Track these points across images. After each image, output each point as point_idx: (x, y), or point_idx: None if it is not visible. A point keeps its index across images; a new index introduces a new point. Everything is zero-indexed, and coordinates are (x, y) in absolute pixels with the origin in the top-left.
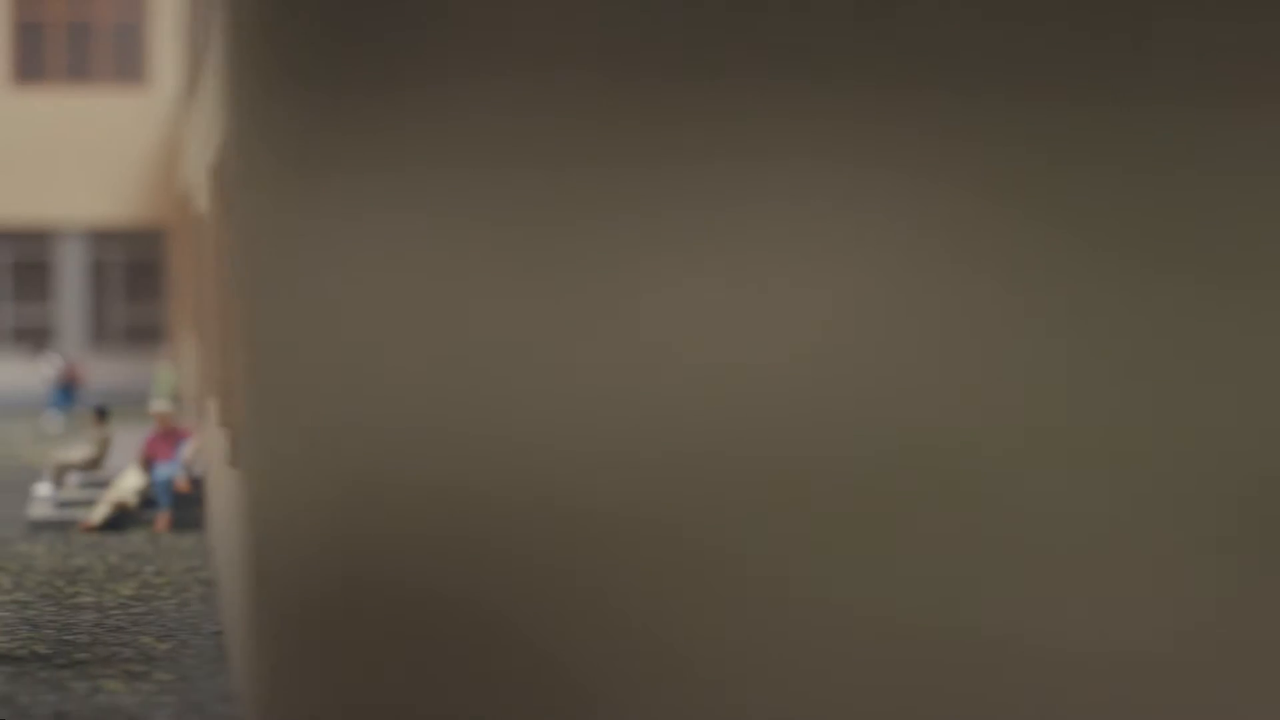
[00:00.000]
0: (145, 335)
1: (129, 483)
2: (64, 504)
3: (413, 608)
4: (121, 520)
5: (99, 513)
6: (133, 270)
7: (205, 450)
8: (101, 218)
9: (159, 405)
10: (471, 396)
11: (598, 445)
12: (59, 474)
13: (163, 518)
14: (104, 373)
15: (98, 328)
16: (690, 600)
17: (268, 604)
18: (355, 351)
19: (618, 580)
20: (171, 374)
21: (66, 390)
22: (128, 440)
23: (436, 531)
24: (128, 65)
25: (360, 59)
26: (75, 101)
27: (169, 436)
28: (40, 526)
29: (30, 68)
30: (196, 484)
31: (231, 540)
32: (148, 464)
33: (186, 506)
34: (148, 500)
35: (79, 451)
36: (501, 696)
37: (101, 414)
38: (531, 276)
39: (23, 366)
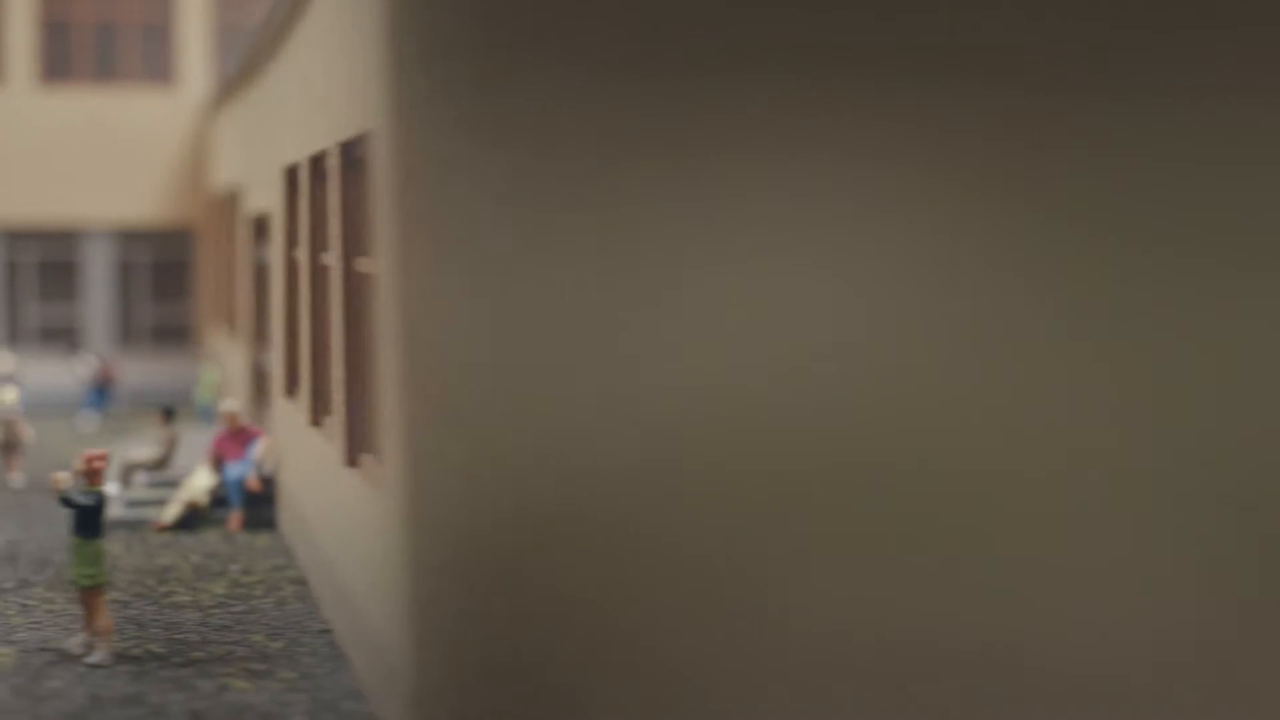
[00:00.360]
0: (171, 335)
1: (200, 482)
2: (133, 503)
3: (570, 603)
4: (193, 520)
5: (171, 512)
6: (159, 270)
7: (277, 449)
8: (128, 218)
9: (228, 405)
10: (628, 391)
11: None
12: (127, 474)
13: (235, 517)
14: (130, 372)
15: (124, 328)
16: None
17: (429, 602)
18: (518, 347)
19: (772, 571)
20: (215, 372)
21: (101, 390)
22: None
23: (595, 528)
24: (155, 65)
25: (515, 52)
26: (102, 101)
27: (237, 436)
28: (110, 527)
29: (57, 67)
30: (268, 483)
31: (363, 539)
32: (217, 463)
33: (258, 506)
34: (218, 499)
35: (146, 451)
36: (671, 691)
37: (168, 414)
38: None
39: (56, 366)
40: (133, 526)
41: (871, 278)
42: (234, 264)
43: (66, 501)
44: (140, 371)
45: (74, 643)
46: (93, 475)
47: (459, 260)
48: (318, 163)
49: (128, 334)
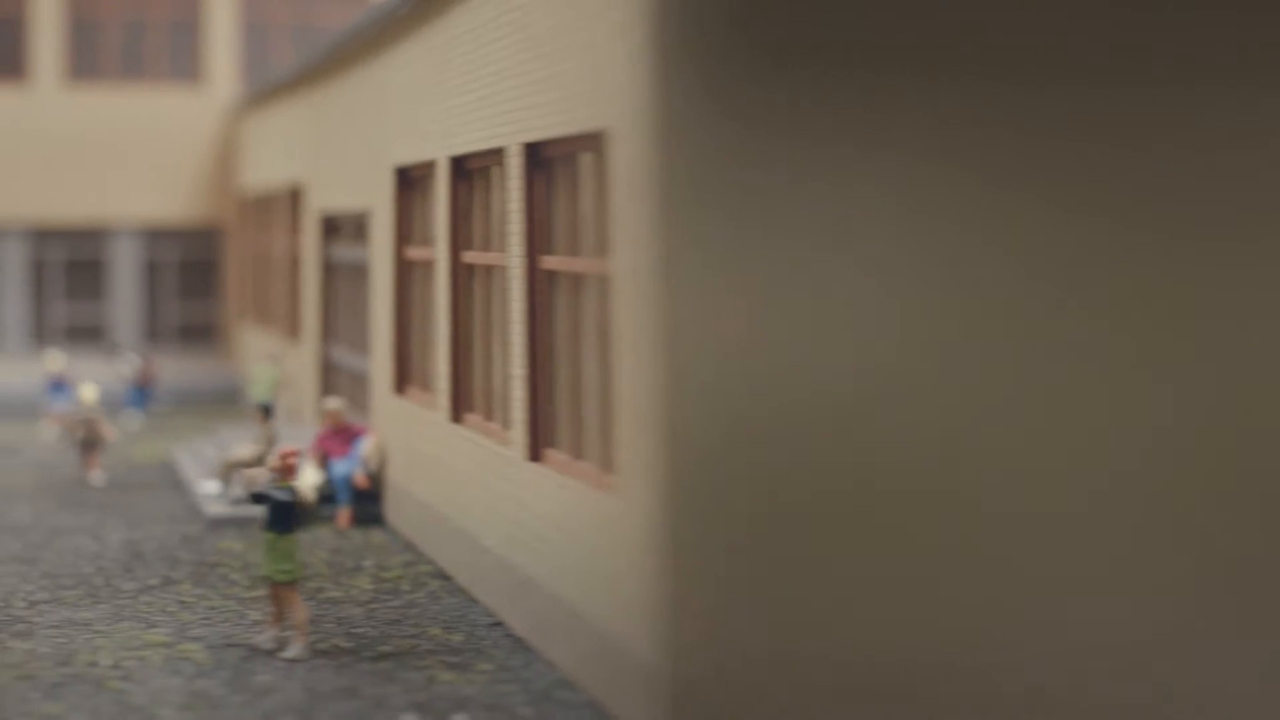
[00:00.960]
0: (198, 334)
1: (307, 479)
2: (237, 501)
3: (827, 597)
4: (302, 517)
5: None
6: (186, 268)
7: (383, 446)
8: (154, 216)
9: (331, 403)
10: (896, 389)
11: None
12: (227, 472)
13: (344, 514)
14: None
15: (151, 326)
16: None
17: (686, 598)
18: (779, 344)
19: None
20: (273, 370)
21: (141, 389)
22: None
23: (856, 525)
24: (182, 63)
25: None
26: (129, 100)
27: (340, 434)
28: (219, 523)
29: (84, 66)
30: (374, 480)
31: (567, 533)
32: (323, 461)
33: (364, 502)
34: (324, 496)
35: (246, 450)
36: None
37: (266, 412)
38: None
39: (85, 364)
40: (240, 525)
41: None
42: (294, 261)
43: (258, 498)
44: (167, 369)
45: (264, 638)
46: (287, 471)
47: (719, 257)
48: (461, 162)
49: (154, 332)
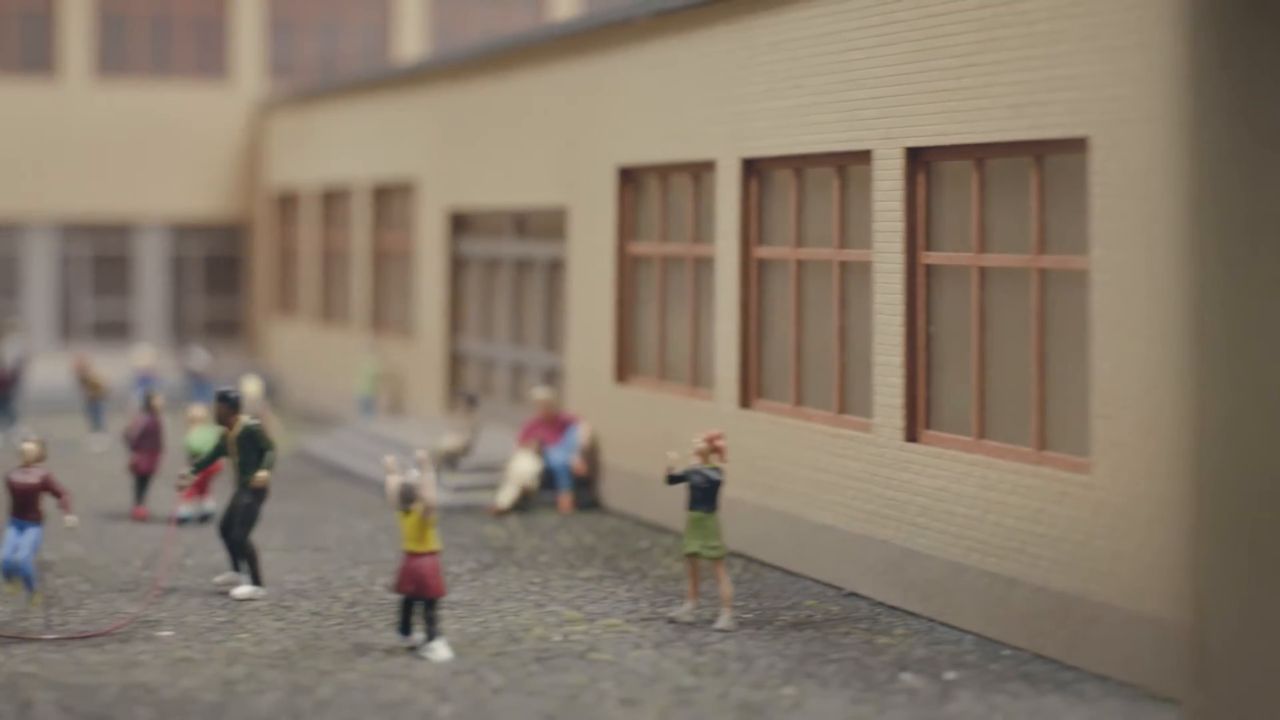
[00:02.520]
0: (223, 329)
1: (526, 467)
2: (458, 489)
3: None
4: (525, 503)
5: (506, 496)
6: (211, 264)
7: (595, 433)
8: (180, 212)
9: (542, 393)
10: None
11: None
12: (442, 461)
13: (566, 499)
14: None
15: (176, 321)
16: None
17: (1213, 576)
18: None
19: None
20: (375, 362)
21: (202, 384)
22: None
23: None
24: (209, 60)
25: None
26: (157, 96)
27: (552, 422)
28: (448, 511)
29: (113, 61)
30: (590, 466)
31: (967, 511)
32: (540, 448)
33: (579, 487)
34: (543, 484)
35: (452, 439)
36: None
37: (471, 401)
38: None
39: (110, 359)
40: (465, 511)
41: None
42: (378, 256)
43: (675, 479)
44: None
45: (682, 611)
46: (715, 453)
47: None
48: (751, 164)
49: (180, 327)
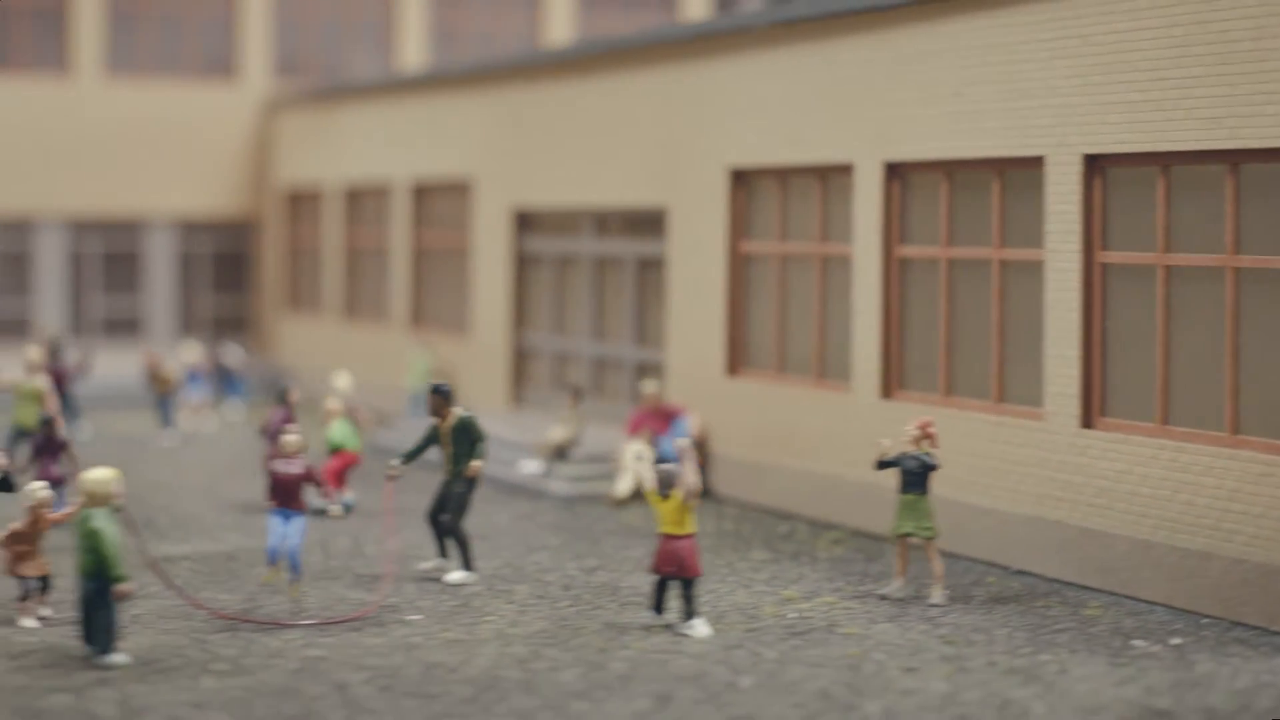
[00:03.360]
0: (230, 325)
1: (641, 457)
2: (575, 479)
3: None
4: (639, 492)
5: (623, 487)
6: (219, 261)
7: (704, 423)
8: (189, 210)
9: (651, 386)
10: None
11: None
12: (552, 453)
13: None
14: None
15: (185, 318)
16: None
17: None
18: None
19: None
20: (427, 356)
21: (234, 380)
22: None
23: None
24: (218, 59)
25: None
26: (166, 94)
27: (659, 414)
28: (570, 501)
29: (123, 59)
30: (700, 456)
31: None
32: (651, 438)
33: None
34: None
35: (561, 431)
36: None
37: (577, 394)
38: None
39: (117, 356)
40: (585, 501)
41: None
42: (418, 254)
43: (886, 464)
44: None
45: (893, 588)
46: (928, 439)
47: None
48: (894, 168)
49: (188, 324)
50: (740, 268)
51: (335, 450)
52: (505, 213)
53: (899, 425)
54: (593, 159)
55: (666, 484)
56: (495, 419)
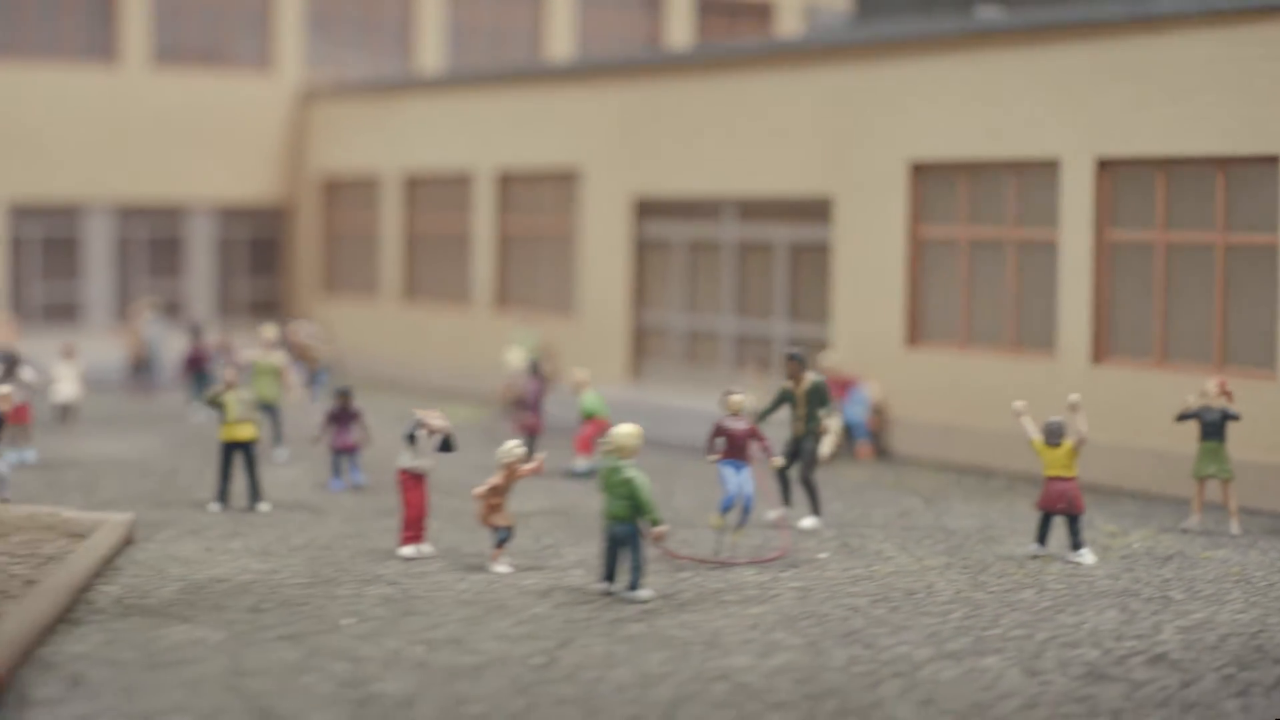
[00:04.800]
0: (265, 308)
1: (833, 422)
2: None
3: None
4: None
5: (827, 447)
6: (256, 246)
7: (884, 391)
8: (228, 196)
9: (829, 358)
10: None
11: None
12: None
13: (865, 447)
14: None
15: (223, 301)
16: None
17: None
18: None
19: None
20: (531, 333)
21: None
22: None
23: None
24: (255, 50)
25: None
26: (207, 83)
27: (836, 383)
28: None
29: (169, 49)
30: (880, 420)
31: None
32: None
33: (869, 438)
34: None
35: (751, 399)
36: None
37: (762, 364)
38: None
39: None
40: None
41: None
42: (505, 240)
43: (1186, 416)
44: (244, 342)
45: (1191, 522)
46: (1225, 395)
47: None
48: (1105, 164)
49: (226, 306)
50: (918, 251)
51: (588, 417)
52: (623, 200)
53: (1112, 389)
54: (739, 151)
55: (1057, 434)
56: (616, 390)
